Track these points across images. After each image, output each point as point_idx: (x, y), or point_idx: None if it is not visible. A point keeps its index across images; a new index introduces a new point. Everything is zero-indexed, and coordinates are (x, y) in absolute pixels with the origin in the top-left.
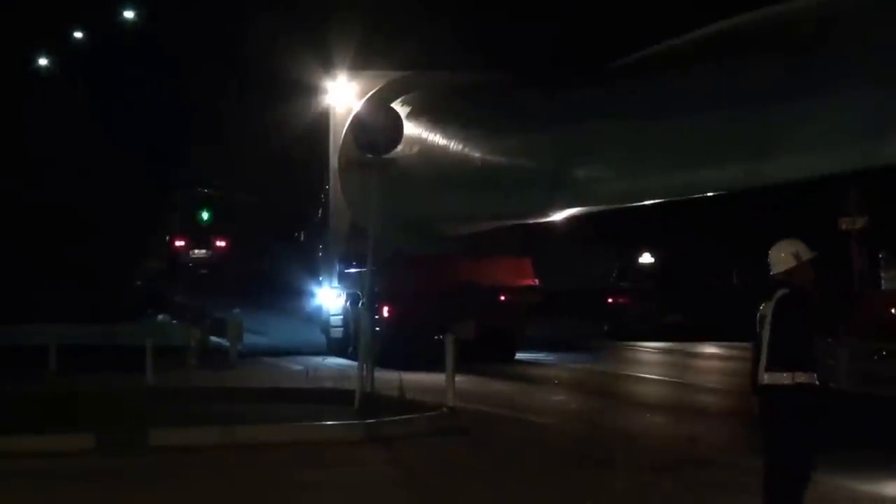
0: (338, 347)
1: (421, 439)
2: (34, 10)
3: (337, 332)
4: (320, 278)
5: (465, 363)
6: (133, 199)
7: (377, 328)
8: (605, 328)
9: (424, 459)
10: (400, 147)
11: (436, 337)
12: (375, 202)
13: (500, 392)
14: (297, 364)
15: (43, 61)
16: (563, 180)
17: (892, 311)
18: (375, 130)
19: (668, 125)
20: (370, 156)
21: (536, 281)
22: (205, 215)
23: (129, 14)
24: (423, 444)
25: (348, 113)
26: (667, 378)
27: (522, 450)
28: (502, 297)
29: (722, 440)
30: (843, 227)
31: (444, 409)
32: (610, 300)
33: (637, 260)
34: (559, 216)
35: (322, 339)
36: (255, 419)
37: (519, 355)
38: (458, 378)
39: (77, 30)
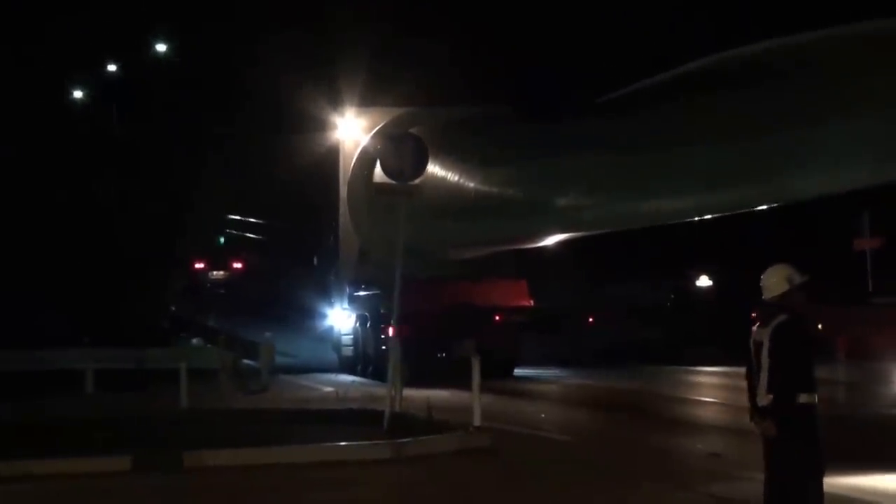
0: (349, 365)
1: (450, 458)
2: (69, 45)
3: (348, 351)
4: (332, 300)
5: (466, 379)
6: (163, 226)
7: (384, 346)
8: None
9: (456, 477)
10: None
11: (439, 355)
12: (401, 227)
13: (519, 410)
14: (326, 385)
15: (78, 93)
16: (551, 209)
17: None
18: (403, 158)
19: (647, 157)
20: (398, 182)
21: (531, 301)
22: (221, 239)
23: (160, 47)
24: (452, 463)
25: (356, 146)
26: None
27: (547, 462)
28: (499, 318)
29: (735, 454)
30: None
31: (471, 429)
32: None
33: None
34: (550, 241)
35: (334, 356)
36: (286, 440)
37: (517, 371)
38: (467, 395)
39: (111, 63)
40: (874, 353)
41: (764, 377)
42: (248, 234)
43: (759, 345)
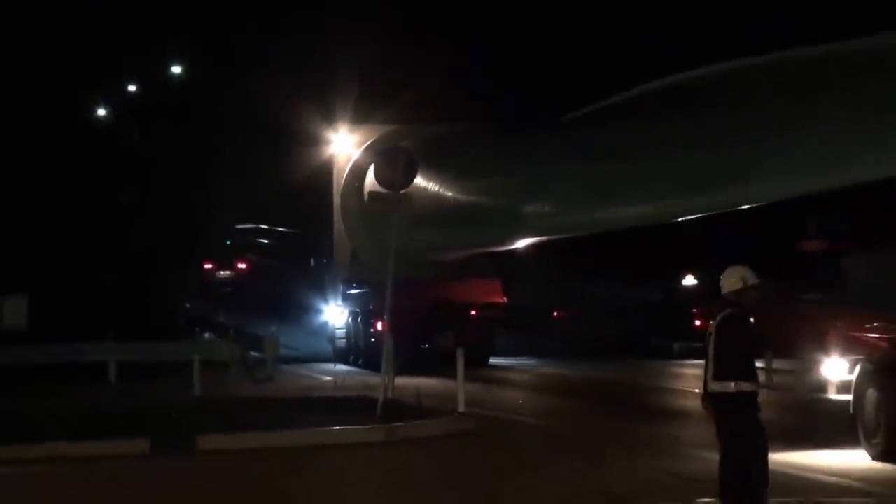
0: (342, 355)
1: (438, 440)
2: (93, 68)
3: (341, 343)
4: (327, 298)
5: (448, 368)
6: (178, 232)
7: (373, 339)
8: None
9: (444, 457)
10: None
11: (422, 346)
12: (394, 231)
13: (497, 397)
14: (323, 375)
15: (101, 111)
16: (520, 216)
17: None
18: (395, 169)
19: (609, 168)
20: (389, 190)
21: (504, 298)
22: (227, 242)
23: (175, 69)
24: (440, 445)
25: (348, 160)
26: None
27: (524, 444)
28: (475, 313)
29: (695, 436)
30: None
31: (457, 414)
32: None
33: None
34: (521, 245)
35: (329, 348)
36: (290, 425)
37: (491, 360)
38: (448, 382)
39: (131, 83)
40: (800, 346)
41: (712, 366)
42: (252, 238)
43: (709, 336)
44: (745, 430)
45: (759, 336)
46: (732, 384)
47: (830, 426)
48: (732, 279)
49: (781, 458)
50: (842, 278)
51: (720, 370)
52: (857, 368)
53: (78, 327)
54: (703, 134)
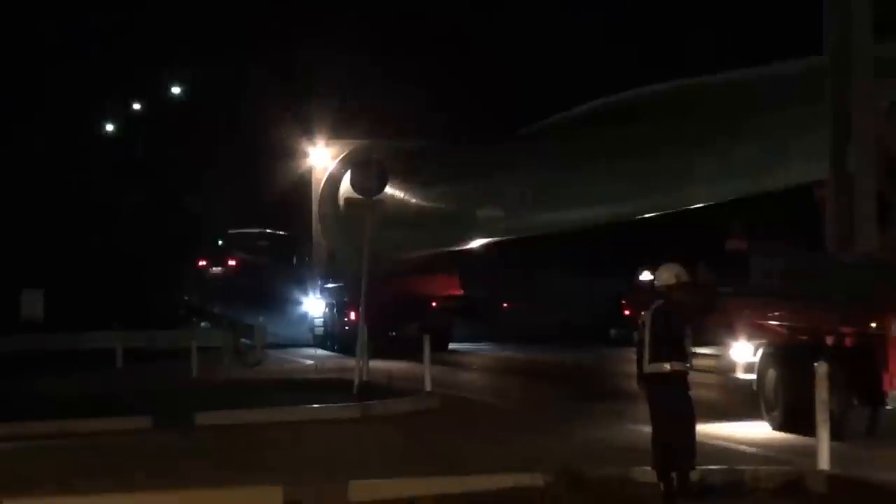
0: (320, 341)
1: (407, 417)
2: (101, 87)
3: (319, 330)
4: (307, 291)
5: (413, 353)
6: (176, 232)
7: (346, 327)
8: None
9: (412, 431)
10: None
11: (390, 334)
12: (368, 233)
13: (457, 378)
14: (305, 359)
15: (110, 126)
16: (474, 219)
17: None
18: (369, 178)
19: (554, 177)
20: (363, 196)
21: (461, 291)
22: (219, 241)
23: (175, 90)
24: (409, 420)
25: (325, 171)
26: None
27: (481, 419)
28: (435, 304)
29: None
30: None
31: (423, 393)
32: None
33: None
34: (476, 244)
35: (308, 335)
36: (276, 403)
37: (451, 346)
38: (413, 365)
39: (136, 102)
40: (715, 333)
41: (647, 350)
42: (242, 239)
43: (642, 324)
44: (675, 405)
45: (688, 323)
46: (667, 365)
47: (738, 402)
48: (666, 275)
49: (701, 430)
50: (750, 274)
51: (655, 353)
52: (760, 352)
53: (88, 318)
54: (639, 146)
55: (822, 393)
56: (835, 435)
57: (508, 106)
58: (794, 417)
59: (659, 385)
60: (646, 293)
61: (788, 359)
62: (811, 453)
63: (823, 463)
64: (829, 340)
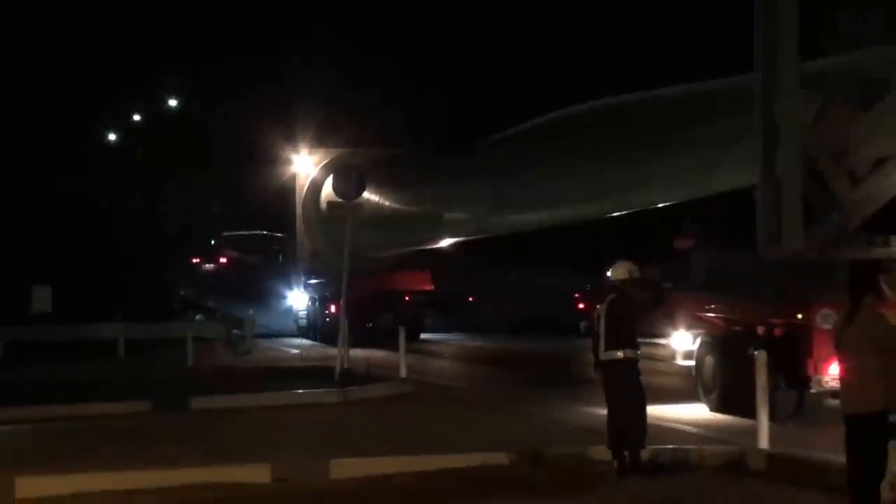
0: (304, 332)
1: (384, 401)
2: (104, 99)
3: (303, 322)
4: (292, 286)
5: (388, 342)
6: (175, 233)
7: (328, 319)
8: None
9: (389, 414)
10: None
11: (367, 325)
12: (348, 234)
13: (429, 365)
14: (291, 348)
15: (112, 136)
16: (442, 221)
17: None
18: (349, 183)
19: (514, 182)
20: (344, 200)
21: (432, 286)
22: (212, 241)
23: (172, 102)
24: (386, 404)
25: (307, 177)
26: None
27: (458, 404)
28: (408, 298)
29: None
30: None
31: (399, 380)
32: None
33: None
34: (445, 244)
35: (293, 326)
36: (264, 389)
37: (422, 336)
38: (389, 354)
39: (136, 113)
40: (659, 324)
41: (602, 339)
42: (233, 238)
43: (597, 316)
44: (628, 389)
45: (638, 314)
46: (620, 353)
47: (679, 386)
48: (620, 270)
49: (648, 411)
50: (691, 270)
51: (609, 342)
52: (698, 341)
53: (92, 311)
54: (593, 154)
55: (761, 379)
56: (769, 416)
57: (477, 116)
58: (729, 400)
59: (613, 371)
60: (611, 288)
61: (724, 347)
62: (746, 432)
63: (763, 442)
64: (761, 331)
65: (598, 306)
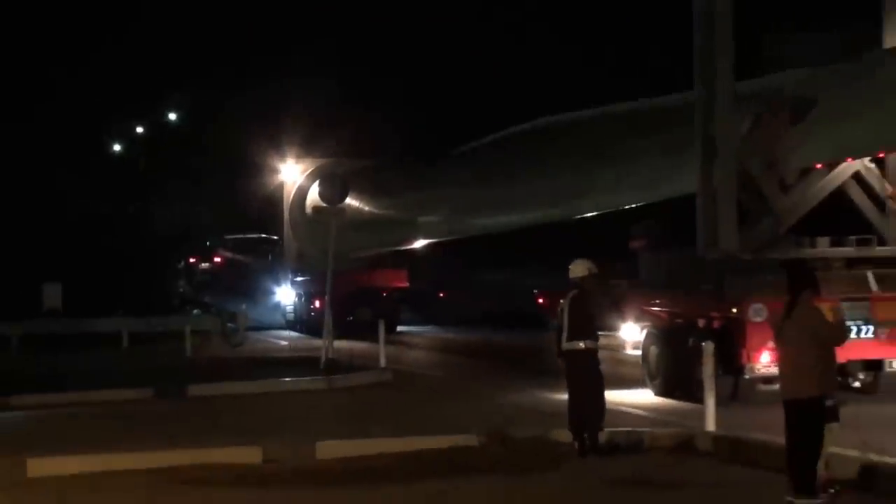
0: (291, 325)
1: (366, 388)
2: (110, 113)
3: (290, 316)
4: (280, 283)
5: (366, 334)
6: (174, 235)
7: (312, 313)
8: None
9: (370, 400)
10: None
11: (348, 318)
12: (332, 236)
13: (405, 355)
14: (280, 340)
15: (116, 146)
16: (416, 224)
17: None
18: (333, 190)
19: (481, 189)
20: (329, 205)
21: (407, 283)
22: (207, 242)
23: (172, 116)
24: (367, 391)
25: (294, 184)
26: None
27: (433, 390)
28: (385, 294)
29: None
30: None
31: (379, 368)
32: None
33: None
34: (419, 244)
35: (281, 320)
36: (256, 377)
37: (399, 329)
38: (369, 345)
39: (139, 126)
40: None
41: (565, 330)
42: (228, 240)
43: (561, 310)
44: (588, 377)
45: (598, 308)
46: (581, 343)
47: (627, 373)
48: (580, 268)
49: (612, 397)
50: (639, 269)
51: (571, 333)
52: (645, 332)
53: (98, 306)
54: (551, 164)
55: (708, 367)
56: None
57: (450, 128)
58: (672, 385)
59: (574, 360)
60: (572, 285)
61: (667, 338)
62: (688, 415)
63: (710, 425)
64: (700, 323)
65: (561, 301)
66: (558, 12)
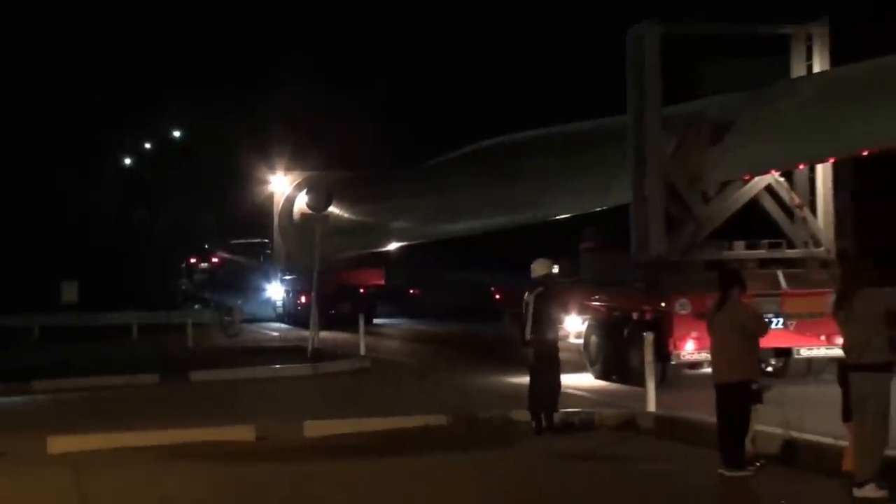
0: (280, 318)
1: (348, 374)
2: (119, 129)
3: (279, 310)
4: (271, 281)
5: (346, 326)
6: (177, 239)
7: (299, 307)
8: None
9: (350, 384)
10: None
11: (330, 312)
12: (318, 240)
13: (382, 345)
14: (271, 331)
15: (127, 160)
16: (389, 229)
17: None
18: (318, 199)
19: (445, 198)
20: (315, 212)
21: (383, 281)
22: (206, 245)
23: (176, 133)
24: (349, 376)
25: (283, 194)
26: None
27: (406, 376)
28: (363, 290)
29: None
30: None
31: (359, 356)
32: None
33: None
34: (393, 247)
35: (271, 313)
36: (250, 364)
37: (376, 321)
38: (350, 335)
39: (146, 142)
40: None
41: (528, 324)
42: (238, 244)
43: (526, 304)
44: (547, 364)
45: (562, 304)
46: (544, 335)
47: (572, 359)
48: (541, 267)
49: (566, 381)
50: (581, 268)
51: (536, 327)
52: (586, 324)
53: (110, 301)
54: (509, 176)
55: (648, 355)
56: (639, 382)
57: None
58: (609, 370)
59: (537, 349)
60: (535, 282)
61: (605, 329)
62: (624, 395)
63: (650, 406)
64: (634, 316)
65: (526, 295)
66: (535, 26)
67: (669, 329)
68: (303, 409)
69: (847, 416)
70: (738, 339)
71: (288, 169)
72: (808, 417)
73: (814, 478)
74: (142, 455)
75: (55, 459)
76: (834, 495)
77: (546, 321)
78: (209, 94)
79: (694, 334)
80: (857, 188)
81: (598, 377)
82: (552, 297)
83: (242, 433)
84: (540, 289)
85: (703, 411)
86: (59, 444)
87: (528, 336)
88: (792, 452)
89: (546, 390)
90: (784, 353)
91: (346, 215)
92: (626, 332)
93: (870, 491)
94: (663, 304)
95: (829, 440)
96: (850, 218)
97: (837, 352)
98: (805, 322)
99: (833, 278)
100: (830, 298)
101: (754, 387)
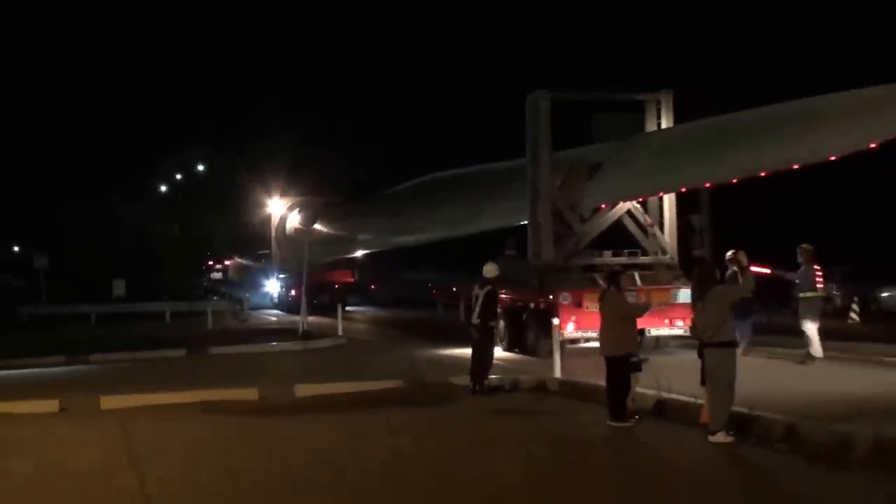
0: (276, 307)
1: (329, 349)
2: (156, 164)
3: (276, 300)
4: (269, 279)
5: (327, 313)
6: (197, 247)
7: (290, 299)
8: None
9: (330, 356)
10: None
11: (314, 302)
12: (305, 249)
13: (354, 327)
14: (270, 316)
15: (163, 188)
16: (356, 240)
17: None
18: (306, 218)
19: (403, 218)
20: (304, 228)
21: (354, 278)
22: (221, 252)
23: (200, 167)
24: (330, 351)
25: (278, 214)
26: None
27: (372, 350)
28: (338, 286)
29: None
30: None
31: (337, 335)
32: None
33: None
34: (360, 253)
35: (270, 303)
36: (255, 342)
37: (348, 308)
38: (329, 320)
39: (177, 173)
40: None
41: (476, 311)
42: (234, 250)
43: (476, 296)
44: (487, 342)
45: (499, 298)
46: (485, 321)
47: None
48: (492, 268)
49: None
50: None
51: (480, 314)
52: (499, 311)
53: (150, 294)
54: (451, 199)
55: (556, 334)
56: (532, 353)
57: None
58: (512, 344)
59: (480, 331)
60: (484, 281)
61: (511, 314)
62: (523, 363)
63: (556, 372)
64: (531, 305)
65: (476, 289)
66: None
67: (556, 314)
68: (295, 375)
69: (704, 380)
70: (617, 321)
71: (283, 194)
72: (675, 382)
73: (679, 428)
74: (173, 409)
75: (106, 414)
76: (694, 441)
77: (489, 311)
78: (221, 138)
79: (574, 318)
80: (694, 211)
81: (504, 350)
82: (496, 293)
83: (249, 394)
84: (489, 287)
85: (595, 377)
86: (109, 401)
87: (474, 320)
88: (663, 408)
89: (482, 361)
90: (639, 333)
91: (325, 230)
92: (524, 316)
93: (720, 437)
94: (551, 297)
95: (690, 399)
96: (707, 232)
97: (678, 332)
98: (655, 310)
99: (676, 278)
100: (672, 293)
101: (634, 359)
